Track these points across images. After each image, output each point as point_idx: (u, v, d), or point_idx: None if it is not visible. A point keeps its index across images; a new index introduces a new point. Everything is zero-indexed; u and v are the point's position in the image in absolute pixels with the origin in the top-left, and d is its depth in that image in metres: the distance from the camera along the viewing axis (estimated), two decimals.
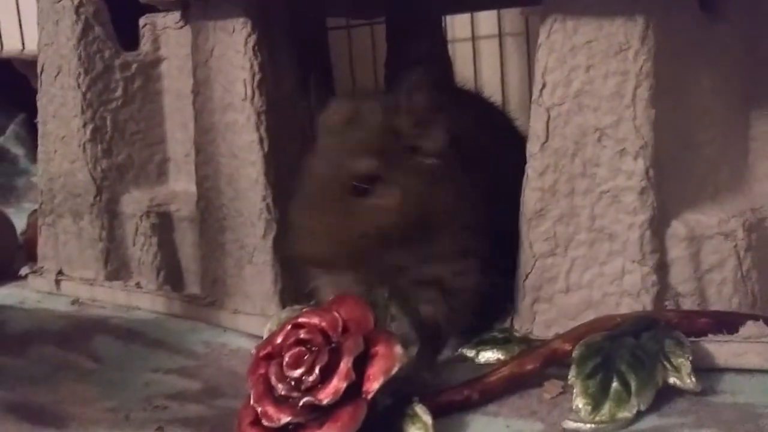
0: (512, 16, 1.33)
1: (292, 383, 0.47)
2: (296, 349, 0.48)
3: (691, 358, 0.50)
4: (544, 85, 0.58)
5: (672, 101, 0.58)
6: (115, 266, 0.82)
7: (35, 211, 1.01)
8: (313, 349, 0.48)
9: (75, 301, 0.81)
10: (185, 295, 0.76)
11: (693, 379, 0.49)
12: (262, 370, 0.49)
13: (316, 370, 0.46)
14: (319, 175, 0.56)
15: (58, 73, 0.82)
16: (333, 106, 0.59)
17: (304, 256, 0.55)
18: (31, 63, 1.34)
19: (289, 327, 0.50)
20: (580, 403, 0.49)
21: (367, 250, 0.54)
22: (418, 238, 0.56)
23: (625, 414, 0.48)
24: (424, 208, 0.56)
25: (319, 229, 0.53)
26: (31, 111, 1.06)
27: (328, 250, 0.53)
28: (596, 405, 0.48)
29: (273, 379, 0.48)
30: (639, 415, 0.48)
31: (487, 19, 1.35)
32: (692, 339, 0.53)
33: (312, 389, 0.46)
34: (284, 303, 0.67)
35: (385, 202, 0.54)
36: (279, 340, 0.50)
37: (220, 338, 0.69)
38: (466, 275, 0.58)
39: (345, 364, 0.46)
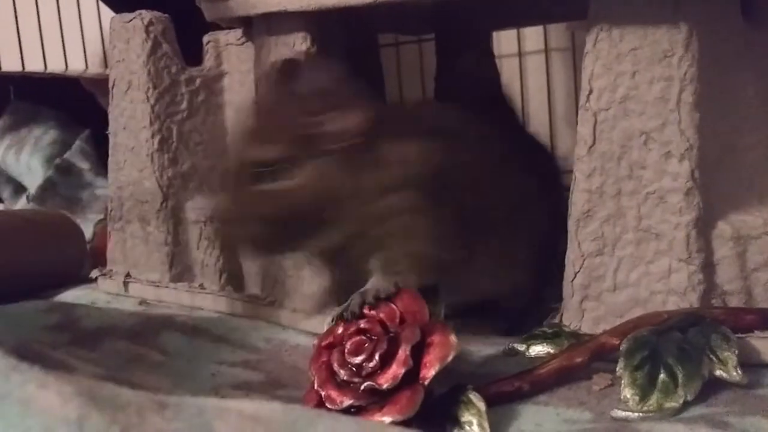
0: (558, 31, 1.35)
1: (354, 369, 0.50)
2: (357, 338, 0.52)
3: (737, 352, 0.51)
4: (590, 91, 0.60)
5: (716, 105, 0.59)
6: (180, 269, 0.86)
7: (101, 220, 1.06)
8: (373, 338, 0.51)
9: (142, 302, 0.85)
10: (246, 296, 0.79)
11: (739, 371, 0.51)
12: (324, 358, 0.52)
13: (376, 357, 0.49)
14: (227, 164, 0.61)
15: (129, 88, 0.87)
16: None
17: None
18: (97, 81, 1.41)
19: None
20: (628, 393, 0.50)
21: (269, 232, 0.56)
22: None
23: (672, 404, 0.49)
24: (328, 192, 0.55)
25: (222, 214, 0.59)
26: (96, 127, 1.11)
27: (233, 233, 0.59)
28: (644, 395, 0.50)
29: (335, 366, 0.51)
30: (686, 405, 0.49)
31: (533, 35, 1.37)
32: (739, 335, 0.54)
33: (372, 375, 0.49)
34: (340, 301, 0.70)
35: (282, 186, 0.55)
36: (340, 330, 0.54)
37: (280, 335, 0.72)
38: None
39: (403, 351, 0.49)
